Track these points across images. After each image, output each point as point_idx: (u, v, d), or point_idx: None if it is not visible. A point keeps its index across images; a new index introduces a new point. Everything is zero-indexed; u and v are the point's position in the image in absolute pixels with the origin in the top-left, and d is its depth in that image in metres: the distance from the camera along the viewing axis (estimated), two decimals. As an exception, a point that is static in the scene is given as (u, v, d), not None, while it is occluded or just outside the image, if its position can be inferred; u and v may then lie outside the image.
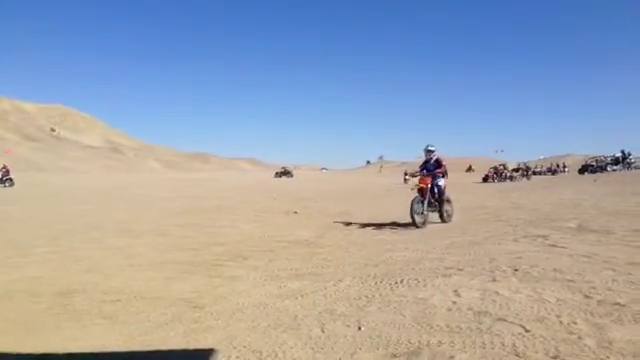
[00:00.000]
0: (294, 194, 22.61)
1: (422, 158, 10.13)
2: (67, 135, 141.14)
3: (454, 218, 9.82)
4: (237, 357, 2.81)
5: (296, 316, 3.56)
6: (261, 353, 2.84)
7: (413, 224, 8.85)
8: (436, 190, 9.43)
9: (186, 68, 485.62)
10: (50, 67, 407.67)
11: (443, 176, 9.71)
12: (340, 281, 4.63)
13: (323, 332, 3.17)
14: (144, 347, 3.03)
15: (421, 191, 9.29)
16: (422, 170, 9.80)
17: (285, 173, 63.69)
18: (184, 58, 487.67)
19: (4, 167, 31.26)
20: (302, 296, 4.14)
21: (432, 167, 9.63)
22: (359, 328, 3.22)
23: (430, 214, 9.42)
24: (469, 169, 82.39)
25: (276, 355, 2.81)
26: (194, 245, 7.21)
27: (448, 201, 9.91)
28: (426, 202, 9.19)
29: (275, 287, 4.52)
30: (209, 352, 2.89)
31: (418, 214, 9.01)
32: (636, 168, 37.77)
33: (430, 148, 9.77)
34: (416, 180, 9.74)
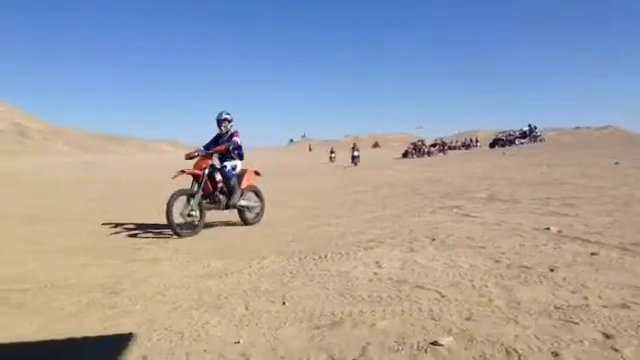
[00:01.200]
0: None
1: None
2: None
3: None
4: (157, 339, 2.72)
5: (220, 295, 3.51)
6: (182, 334, 2.77)
7: (171, 229, 6.05)
8: (218, 178, 6.67)
9: (102, 51, 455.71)
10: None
11: (232, 155, 6.94)
12: (264, 258, 4.62)
13: (247, 309, 3.15)
14: (58, 336, 2.85)
15: (196, 178, 6.48)
16: (207, 148, 6.90)
17: None
18: (98, 40, 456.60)
19: None
20: (226, 275, 4.09)
21: None
22: (283, 303, 3.23)
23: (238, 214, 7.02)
24: (375, 145, 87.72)
25: (198, 335, 2.75)
26: (110, 231, 6.88)
27: (256, 193, 7.28)
28: (198, 196, 6.36)
29: (199, 267, 4.43)
30: (128, 336, 2.78)
31: (184, 215, 6.19)
32: (541, 141, 40.78)
33: (225, 116, 6.91)
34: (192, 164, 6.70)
